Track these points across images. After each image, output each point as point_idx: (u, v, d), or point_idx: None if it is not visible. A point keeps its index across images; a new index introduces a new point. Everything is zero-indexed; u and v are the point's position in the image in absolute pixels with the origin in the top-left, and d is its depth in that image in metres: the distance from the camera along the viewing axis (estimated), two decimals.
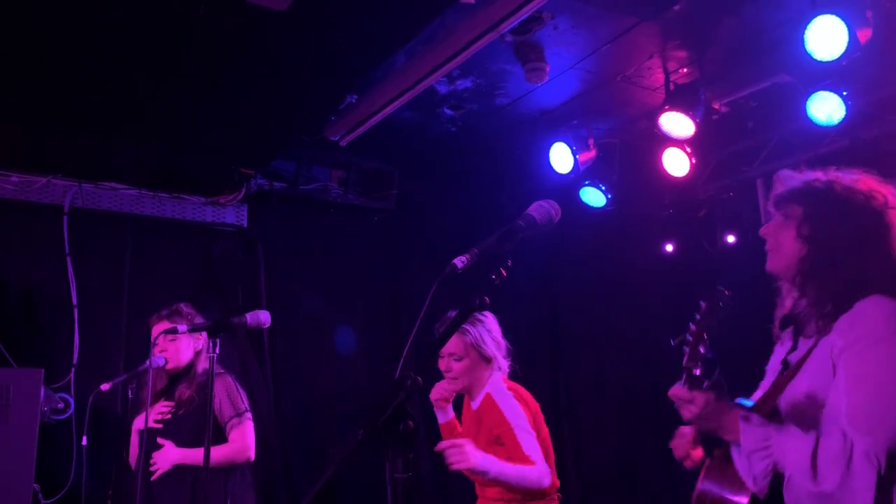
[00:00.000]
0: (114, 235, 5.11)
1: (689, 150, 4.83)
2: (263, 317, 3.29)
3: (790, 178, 2.13)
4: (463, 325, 3.05)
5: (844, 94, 4.08)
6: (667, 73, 4.48)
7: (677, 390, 1.87)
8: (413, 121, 5.02)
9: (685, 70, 4.43)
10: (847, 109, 4.09)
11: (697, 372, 1.86)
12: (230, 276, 5.42)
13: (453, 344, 3.12)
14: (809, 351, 1.89)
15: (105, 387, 4.00)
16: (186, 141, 4.72)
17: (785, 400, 1.88)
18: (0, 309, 4.67)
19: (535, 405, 3.18)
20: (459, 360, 3.15)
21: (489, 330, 3.22)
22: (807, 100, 4.19)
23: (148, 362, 3.66)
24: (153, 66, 3.79)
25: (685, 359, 1.88)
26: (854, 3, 3.59)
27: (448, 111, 4.95)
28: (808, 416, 1.80)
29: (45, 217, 4.88)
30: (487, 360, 3.18)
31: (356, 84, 4.31)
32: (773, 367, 2.08)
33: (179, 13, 3.32)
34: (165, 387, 3.94)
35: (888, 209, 1.95)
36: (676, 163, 4.91)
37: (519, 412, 3.00)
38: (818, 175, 2.10)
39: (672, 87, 4.52)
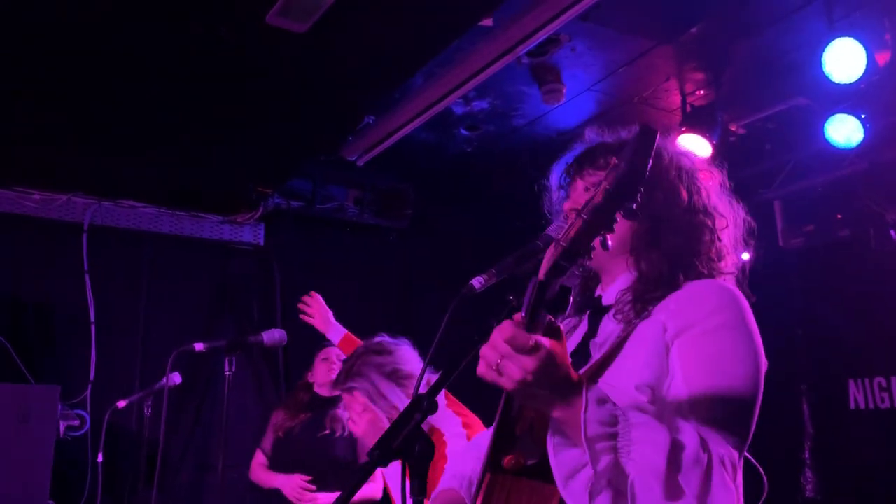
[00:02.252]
0: (132, 253, 5.16)
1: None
2: (279, 335, 3.31)
3: (598, 136, 1.76)
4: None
5: (863, 116, 4.06)
6: (683, 96, 4.48)
7: (512, 330, 1.19)
8: (429, 141, 5.05)
9: (702, 92, 4.43)
10: (865, 132, 4.07)
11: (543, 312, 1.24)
12: (246, 294, 5.45)
13: None
14: (625, 336, 1.48)
15: (121, 404, 4.04)
16: (205, 160, 4.77)
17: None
18: (18, 325, 4.71)
19: None
20: None
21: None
22: (825, 122, 4.17)
23: (164, 380, 3.67)
24: (173, 86, 3.84)
25: (531, 291, 1.25)
26: (872, 26, 3.58)
27: (464, 132, 4.97)
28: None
29: (65, 234, 4.93)
30: None
31: (374, 105, 4.35)
32: None
33: (200, 34, 3.36)
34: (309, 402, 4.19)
35: (703, 180, 1.69)
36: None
37: None
38: (634, 133, 1.77)
39: (689, 109, 4.52)
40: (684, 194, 1.63)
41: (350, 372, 2.74)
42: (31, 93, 3.87)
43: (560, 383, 1.22)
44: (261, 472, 4.21)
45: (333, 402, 4.22)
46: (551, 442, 1.28)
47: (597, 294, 1.72)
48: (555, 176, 1.83)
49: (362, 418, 2.68)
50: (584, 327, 1.70)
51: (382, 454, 1.36)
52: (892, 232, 4.42)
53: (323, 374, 4.22)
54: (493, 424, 1.50)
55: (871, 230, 4.52)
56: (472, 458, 1.78)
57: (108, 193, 5.05)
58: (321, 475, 4.03)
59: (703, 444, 1.29)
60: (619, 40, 3.89)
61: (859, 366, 4.61)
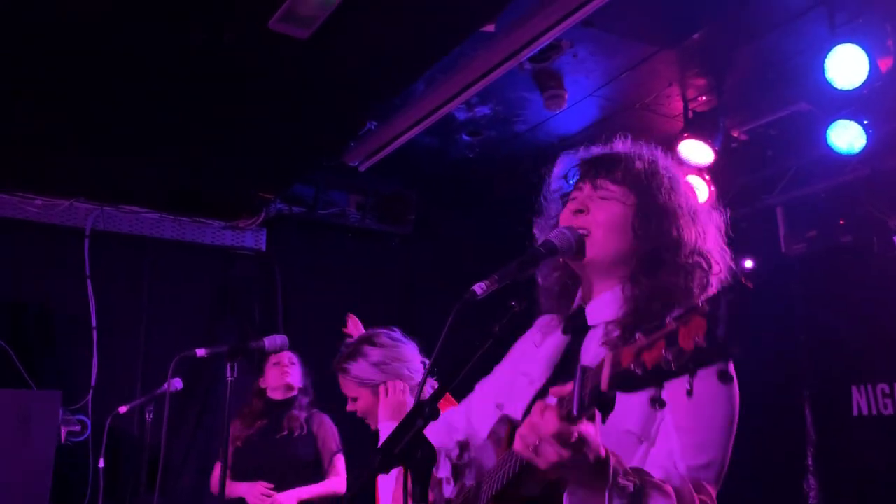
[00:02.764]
0: (134, 258, 5.16)
1: (708, 177, 4.82)
2: (281, 341, 3.31)
3: (624, 147, 1.74)
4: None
5: (865, 122, 4.05)
6: (686, 101, 4.48)
7: (557, 424, 1.22)
8: (431, 146, 5.05)
9: (704, 98, 4.43)
10: (868, 138, 4.06)
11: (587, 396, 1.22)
12: (248, 299, 5.45)
13: None
14: None
15: (123, 409, 4.04)
16: (207, 166, 4.78)
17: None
18: (20, 330, 4.71)
19: None
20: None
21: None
22: (827, 128, 4.16)
23: (166, 386, 3.67)
24: (175, 91, 3.85)
25: (587, 382, 1.21)
26: (874, 33, 3.58)
27: (466, 137, 4.97)
28: (626, 455, 1.40)
29: (67, 239, 4.94)
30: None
31: (376, 110, 4.35)
32: (538, 368, 1.68)
33: (203, 40, 3.37)
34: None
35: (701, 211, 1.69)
36: (697, 192, 4.89)
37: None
38: (657, 160, 1.70)
39: (691, 114, 4.51)
40: (692, 237, 1.63)
41: (346, 354, 3.07)
42: (32, 98, 3.89)
43: (595, 468, 1.28)
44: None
45: (288, 404, 4.28)
46: (569, 500, 1.35)
47: (578, 303, 1.70)
48: (563, 165, 1.81)
49: (359, 398, 3.03)
50: (564, 339, 1.70)
51: (384, 460, 1.35)
52: (894, 238, 4.41)
53: (275, 378, 4.26)
54: (496, 463, 1.52)
55: (874, 236, 4.51)
56: (441, 434, 1.80)
57: (110, 199, 5.06)
58: (282, 476, 4.10)
59: (698, 489, 1.41)
60: (620, 46, 3.89)
61: (862, 372, 4.60)
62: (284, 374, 4.26)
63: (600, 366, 1.19)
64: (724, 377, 1.39)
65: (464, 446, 1.81)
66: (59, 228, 4.93)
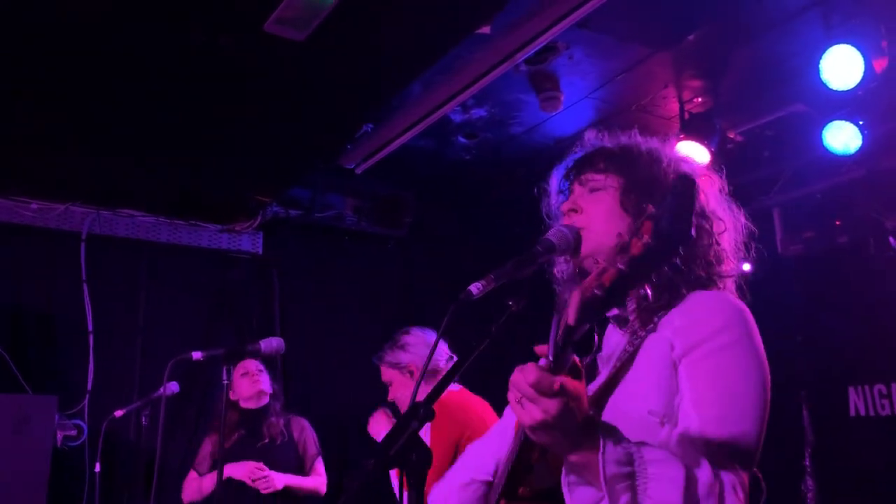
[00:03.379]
0: (130, 262, 5.15)
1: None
2: (277, 344, 3.30)
3: (598, 140, 1.74)
4: None
5: (861, 123, 4.06)
6: (681, 103, 4.49)
7: (536, 374, 1.18)
8: (428, 149, 5.05)
9: (700, 99, 4.44)
10: (863, 139, 4.07)
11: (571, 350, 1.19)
12: (245, 303, 5.44)
13: None
14: (633, 351, 1.46)
15: (119, 413, 4.02)
16: (204, 169, 4.77)
17: (612, 414, 1.41)
18: (16, 334, 4.69)
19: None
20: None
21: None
22: (823, 129, 4.17)
23: (162, 389, 3.66)
24: (172, 95, 3.84)
25: (560, 324, 1.19)
26: (869, 33, 3.59)
27: (463, 139, 4.97)
28: (650, 438, 1.35)
29: (63, 243, 4.92)
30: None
31: (372, 113, 4.35)
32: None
33: (200, 42, 3.37)
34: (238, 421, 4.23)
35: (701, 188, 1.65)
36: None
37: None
38: (635, 138, 1.70)
39: (687, 116, 4.52)
40: None
41: (385, 349, 3.73)
42: (28, 101, 3.88)
43: (578, 427, 1.23)
44: (196, 483, 4.19)
45: (265, 411, 4.27)
46: (566, 481, 1.29)
47: None
48: (555, 180, 1.81)
49: (392, 381, 3.65)
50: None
51: (378, 463, 1.34)
52: (890, 238, 4.41)
53: (247, 388, 4.24)
54: (508, 454, 1.50)
55: (870, 237, 4.52)
56: (472, 465, 1.75)
57: (106, 202, 5.04)
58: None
59: (716, 474, 1.30)
60: (616, 48, 3.90)
61: (859, 372, 4.60)
62: (255, 382, 4.26)
63: (569, 305, 1.17)
64: (713, 284, 1.43)
65: (496, 472, 1.72)
66: (55, 232, 4.92)
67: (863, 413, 4.56)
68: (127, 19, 3.22)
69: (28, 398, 4.38)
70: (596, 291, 1.13)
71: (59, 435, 4.43)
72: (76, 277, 4.90)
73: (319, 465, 4.27)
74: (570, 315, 1.15)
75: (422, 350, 3.49)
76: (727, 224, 1.65)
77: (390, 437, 1.35)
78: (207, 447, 4.27)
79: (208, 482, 4.11)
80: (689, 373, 1.41)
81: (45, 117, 4.08)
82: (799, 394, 4.87)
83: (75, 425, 4.63)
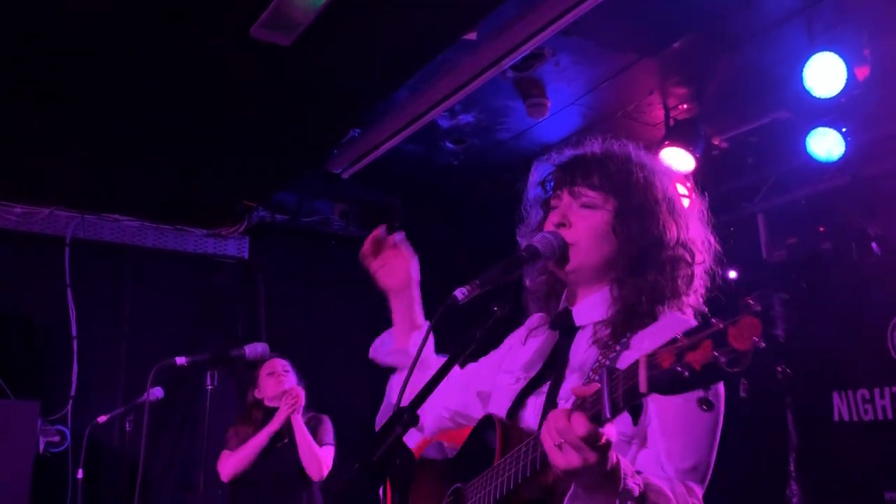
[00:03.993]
0: (115, 266, 5.12)
1: (689, 185, 4.84)
2: (262, 349, 3.30)
3: (597, 148, 1.74)
4: None
5: (844, 130, 4.10)
6: (667, 109, 4.51)
7: (588, 428, 1.19)
8: (415, 154, 5.05)
9: (685, 106, 4.46)
10: (846, 146, 4.10)
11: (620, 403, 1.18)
12: (230, 307, 5.42)
13: None
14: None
15: (102, 419, 3.99)
16: (190, 173, 4.75)
17: None
18: None
19: None
20: None
21: None
22: (806, 136, 4.21)
23: (146, 395, 3.64)
24: (158, 100, 3.83)
25: (620, 382, 1.17)
26: (852, 42, 3.63)
27: (450, 145, 4.98)
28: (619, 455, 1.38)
29: (47, 248, 4.89)
30: None
31: (359, 118, 4.35)
32: (522, 366, 1.69)
33: (187, 48, 3.36)
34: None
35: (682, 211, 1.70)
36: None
37: None
38: (631, 157, 1.71)
39: (672, 122, 4.54)
40: (674, 230, 1.64)
41: None
42: (11, 106, 3.86)
43: (610, 473, 1.26)
44: (232, 457, 4.11)
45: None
46: (571, 501, 1.34)
47: (563, 306, 1.70)
48: (538, 172, 1.81)
49: None
50: (551, 339, 1.69)
51: (363, 468, 1.34)
52: (873, 244, 4.45)
53: (272, 388, 4.17)
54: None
55: (853, 243, 4.55)
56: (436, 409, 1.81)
57: (91, 206, 5.02)
58: (286, 482, 4.06)
59: (688, 495, 1.43)
60: (602, 55, 3.92)
61: (843, 378, 4.63)
62: (280, 382, 4.20)
63: (634, 367, 1.14)
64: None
65: (455, 416, 1.82)
66: (39, 237, 4.89)
67: (846, 418, 4.59)
68: (115, 26, 3.22)
69: (10, 404, 4.34)
70: (680, 370, 1.08)
71: (42, 441, 4.39)
72: (60, 282, 4.86)
73: (328, 451, 4.21)
74: (643, 383, 1.12)
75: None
76: (704, 255, 1.68)
77: (374, 441, 1.35)
78: (233, 435, 4.22)
79: (244, 452, 4.06)
80: (659, 403, 1.46)
81: (30, 121, 4.05)
82: (784, 399, 4.90)
83: (58, 431, 4.59)
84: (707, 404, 1.11)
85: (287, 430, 4.12)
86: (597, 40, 3.78)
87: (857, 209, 4.53)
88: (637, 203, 1.63)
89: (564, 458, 1.21)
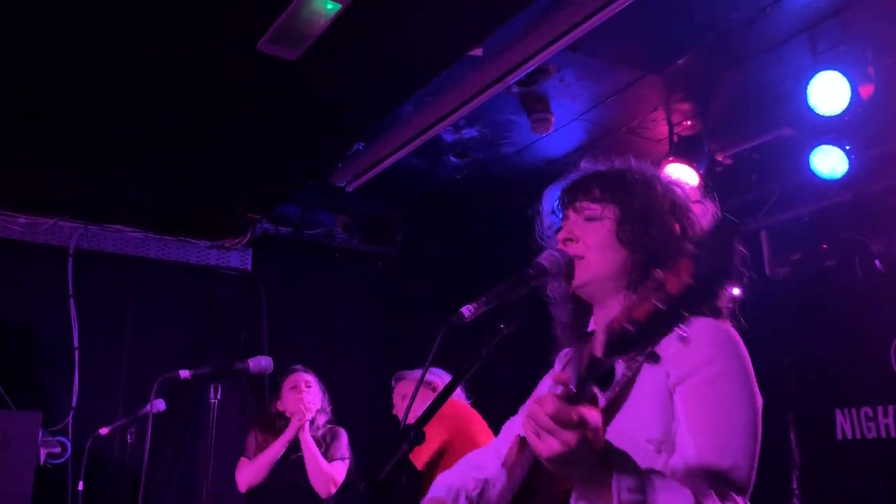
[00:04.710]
0: (118, 278, 5.12)
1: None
2: (265, 363, 3.28)
3: (592, 165, 1.76)
4: None
5: (847, 148, 4.10)
6: (671, 126, 4.52)
7: (556, 405, 1.18)
8: (419, 168, 5.06)
9: (689, 122, 4.48)
10: (850, 163, 4.11)
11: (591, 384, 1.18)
12: (233, 320, 5.41)
13: None
14: (631, 377, 1.41)
15: (104, 431, 3.98)
16: (194, 185, 4.76)
17: (613, 440, 1.37)
18: (0, 349, 4.65)
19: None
20: None
21: None
22: (810, 153, 4.21)
23: (148, 407, 3.63)
24: (162, 111, 3.84)
25: (584, 355, 1.18)
26: (856, 60, 3.64)
27: (454, 159, 4.99)
28: (647, 464, 1.38)
29: (50, 258, 4.89)
30: None
31: (363, 132, 4.36)
32: None
33: (193, 61, 3.38)
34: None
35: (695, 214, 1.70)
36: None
37: None
38: (630, 167, 1.72)
39: (676, 138, 4.55)
40: (677, 228, 1.64)
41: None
42: (15, 116, 3.86)
43: (595, 457, 1.23)
44: (249, 466, 4.12)
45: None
46: None
47: (592, 327, 1.70)
48: (548, 201, 1.83)
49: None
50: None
51: (369, 485, 1.34)
52: (877, 261, 4.45)
53: (293, 403, 4.17)
54: (511, 478, 1.50)
55: (857, 260, 4.55)
56: (462, 472, 1.81)
57: (94, 217, 5.02)
58: (298, 495, 4.04)
59: (722, 499, 1.33)
60: (606, 71, 3.93)
61: (846, 395, 4.62)
62: (300, 399, 4.20)
63: (595, 336, 1.15)
64: (716, 312, 1.36)
65: (486, 485, 1.79)
66: (43, 247, 4.89)
67: (849, 436, 4.58)
68: (116, 40, 3.23)
69: (11, 414, 4.33)
70: (627, 326, 1.10)
71: (43, 452, 4.37)
72: (63, 292, 4.86)
73: (339, 466, 4.18)
74: (598, 348, 1.13)
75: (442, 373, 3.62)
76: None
77: (380, 459, 1.35)
78: (252, 441, 4.22)
79: (259, 464, 4.06)
80: (685, 402, 1.44)
81: (35, 132, 4.06)
82: (786, 416, 4.89)
83: (59, 442, 4.58)
84: (653, 357, 1.11)
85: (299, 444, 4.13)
86: (602, 57, 3.80)
87: (861, 226, 4.53)
88: (638, 207, 1.64)
89: (544, 444, 1.20)
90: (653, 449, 1.42)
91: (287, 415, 4.19)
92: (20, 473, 3.98)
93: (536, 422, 1.20)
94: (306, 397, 4.18)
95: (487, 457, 1.84)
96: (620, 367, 1.51)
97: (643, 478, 1.28)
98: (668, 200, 1.67)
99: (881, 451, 4.41)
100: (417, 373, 3.78)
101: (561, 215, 1.74)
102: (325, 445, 4.17)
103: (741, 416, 1.44)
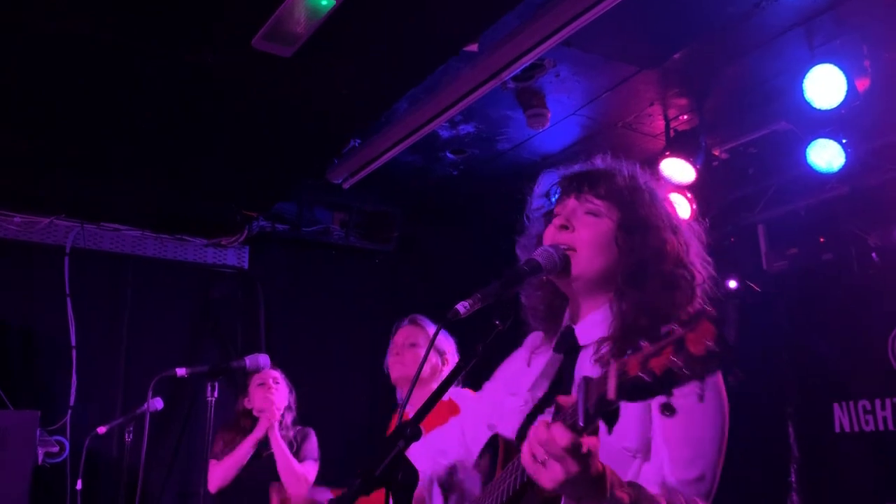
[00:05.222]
0: (114, 276, 5.11)
1: (689, 195, 4.85)
2: (263, 360, 3.29)
3: (605, 164, 1.77)
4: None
5: (844, 141, 4.10)
6: (667, 120, 4.52)
7: (569, 438, 1.21)
8: (415, 164, 5.06)
9: (685, 117, 4.47)
10: (847, 157, 4.11)
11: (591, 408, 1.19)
12: (230, 318, 5.41)
13: None
14: None
15: (102, 430, 3.98)
16: (190, 183, 4.75)
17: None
18: None
19: None
20: None
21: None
22: (807, 147, 4.21)
23: (146, 406, 3.62)
24: (159, 110, 3.83)
25: (592, 392, 1.19)
26: (852, 54, 3.64)
27: (450, 155, 4.99)
28: (622, 470, 1.42)
29: (47, 257, 4.89)
30: None
31: (359, 129, 4.36)
32: (529, 388, 1.68)
33: (188, 59, 3.37)
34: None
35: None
36: (678, 209, 4.92)
37: None
38: (637, 175, 1.73)
39: (672, 133, 4.55)
40: (675, 249, 1.65)
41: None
42: (12, 116, 3.85)
43: (595, 482, 1.27)
44: (218, 468, 4.08)
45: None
46: None
47: (567, 323, 1.70)
48: (544, 183, 1.82)
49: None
50: (555, 359, 1.69)
51: (364, 482, 1.34)
52: (873, 255, 4.45)
53: (260, 401, 4.14)
54: (499, 493, 1.49)
55: (854, 253, 4.55)
56: (432, 459, 1.81)
57: (90, 216, 5.01)
58: (268, 494, 4.03)
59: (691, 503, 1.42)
60: (602, 66, 3.92)
61: (844, 389, 4.62)
62: (269, 394, 4.18)
63: (605, 376, 1.17)
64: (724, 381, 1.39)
65: (453, 469, 1.80)
66: (39, 246, 4.88)
67: (847, 429, 4.58)
68: (115, 37, 3.22)
69: (9, 414, 4.33)
70: (642, 375, 1.12)
71: (41, 451, 4.37)
72: (60, 292, 4.85)
73: (310, 467, 4.17)
74: (611, 390, 1.15)
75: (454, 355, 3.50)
76: (704, 277, 1.68)
77: (376, 456, 1.35)
78: (220, 441, 4.18)
79: (227, 464, 4.05)
80: (660, 415, 1.46)
81: (27, 136, 4.06)
82: (785, 410, 4.90)
83: (57, 441, 4.57)
84: (669, 409, 1.13)
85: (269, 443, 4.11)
86: (597, 52, 3.79)
87: (857, 220, 4.53)
88: (641, 217, 1.65)
89: (548, 472, 1.23)
90: (629, 456, 1.48)
91: (255, 413, 4.15)
92: (18, 473, 3.97)
93: (545, 449, 1.23)
94: (275, 394, 4.14)
95: (450, 440, 1.86)
96: (596, 372, 1.53)
97: (632, 498, 1.32)
98: (670, 220, 1.69)
99: (879, 443, 4.42)
100: (431, 326, 3.65)
101: (556, 199, 1.74)
102: (297, 445, 4.13)
103: (713, 430, 1.51)
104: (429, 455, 1.81)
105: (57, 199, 4.85)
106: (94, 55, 3.33)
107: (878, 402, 4.48)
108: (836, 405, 4.65)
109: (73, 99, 3.71)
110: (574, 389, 1.52)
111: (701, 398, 1.10)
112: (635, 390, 1.13)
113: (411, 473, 1.35)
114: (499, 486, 1.44)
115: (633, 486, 1.35)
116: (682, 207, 4.88)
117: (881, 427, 4.42)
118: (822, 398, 4.73)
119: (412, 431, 1.35)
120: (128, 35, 3.21)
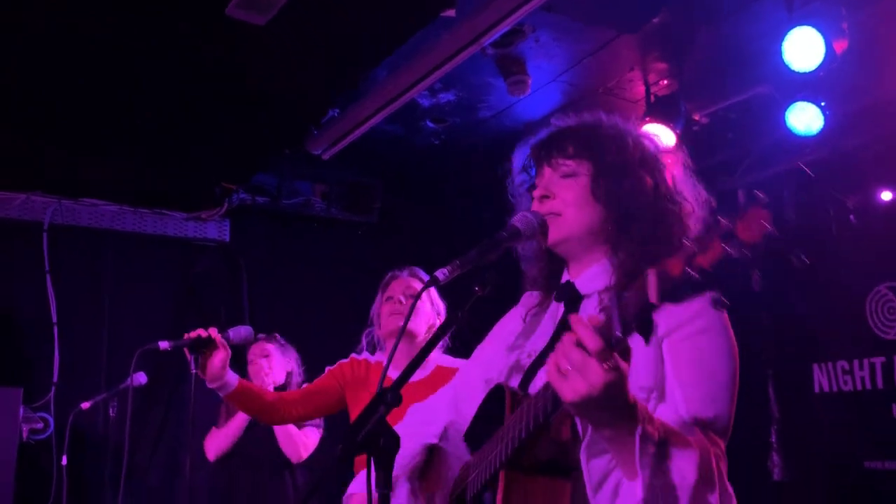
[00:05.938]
0: (94, 252, 5.07)
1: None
2: (245, 332, 3.27)
3: (563, 121, 1.75)
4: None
5: (822, 104, 4.11)
6: (647, 85, 4.51)
7: (599, 341, 1.13)
8: (395, 134, 5.02)
9: (665, 82, 4.46)
10: (825, 120, 4.12)
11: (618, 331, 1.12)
12: (212, 291, 5.39)
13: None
14: None
15: (85, 405, 3.97)
16: (168, 156, 4.70)
17: None
18: None
19: None
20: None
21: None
22: (786, 111, 4.22)
23: (129, 380, 3.61)
24: (133, 81, 3.77)
25: (629, 300, 1.11)
26: (830, 15, 3.63)
27: (431, 124, 4.95)
28: None
29: (25, 234, 4.84)
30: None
31: (338, 97, 4.31)
32: (532, 339, 1.68)
33: (161, 28, 3.31)
34: None
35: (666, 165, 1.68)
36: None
37: None
38: (601, 121, 1.72)
39: (652, 98, 4.54)
40: (649, 181, 1.63)
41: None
42: None
43: (621, 408, 1.22)
44: (217, 435, 4.16)
45: None
46: (587, 449, 1.30)
47: (566, 279, 1.70)
48: (518, 159, 1.82)
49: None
50: (555, 311, 1.69)
51: (346, 448, 1.34)
52: (851, 217, 4.49)
53: (254, 373, 4.20)
54: (509, 423, 1.48)
55: (832, 215, 4.59)
56: (419, 434, 1.82)
57: (68, 191, 4.95)
58: (270, 465, 4.10)
59: (710, 444, 1.39)
60: (582, 31, 3.90)
61: (822, 350, 4.69)
62: (260, 367, 4.23)
63: (642, 282, 1.09)
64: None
65: (444, 432, 1.80)
66: (17, 223, 4.83)
67: (826, 389, 4.66)
68: (87, 6, 3.15)
69: None
70: (690, 273, 1.04)
71: (25, 428, 4.36)
72: (39, 268, 4.81)
73: (311, 433, 4.21)
74: (652, 294, 1.06)
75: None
76: (693, 205, 1.66)
77: (357, 422, 1.35)
78: (223, 410, 4.25)
79: (225, 432, 4.10)
80: (672, 353, 1.48)
81: (4, 107, 3.98)
82: (764, 372, 4.96)
83: (41, 418, 4.56)
84: (721, 304, 1.08)
85: None
86: (577, 16, 3.76)
87: (836, 182, 4.56)
88: (611, 164, 1.63)
89: (569, 385, 1.15)
90: (644, 395, 1.45)
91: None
92: (3, 450, 3.97)
93: (568, 359, 1.16)
94: (265, 366, 4.19)
95: (438, 412, 1.86)
96: None
97: (659, 428, 1.29)
98: (639, 152, 1.67)
99: (857, 403, 4.50)
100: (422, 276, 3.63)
101: (534, 172, 1.74)
102: None
103: (724, 367, 1.49)
104: (416, 433, 1.81)
105: (33, 174, 4.79)
106: (66, 29, 3.27)
107: (856, 363, 4.54)
108: (815, 366, 4.72)
109: (46, 73, 3.65)
110: (596, 308, 1.53)
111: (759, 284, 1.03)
112: (682, 289, 1.05)
113: (393, 439, 1.35)
114: (509, 431, 1.43)
115: (663, 424, 1.32)
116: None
117: (859, 387, 4.49)
118: (802, 360, 4.80)
119: (392, 397, 1.35)
120: (100, 4, 3.15)
